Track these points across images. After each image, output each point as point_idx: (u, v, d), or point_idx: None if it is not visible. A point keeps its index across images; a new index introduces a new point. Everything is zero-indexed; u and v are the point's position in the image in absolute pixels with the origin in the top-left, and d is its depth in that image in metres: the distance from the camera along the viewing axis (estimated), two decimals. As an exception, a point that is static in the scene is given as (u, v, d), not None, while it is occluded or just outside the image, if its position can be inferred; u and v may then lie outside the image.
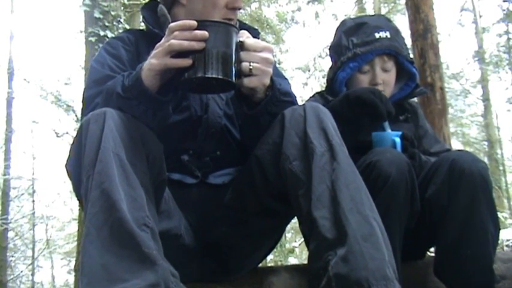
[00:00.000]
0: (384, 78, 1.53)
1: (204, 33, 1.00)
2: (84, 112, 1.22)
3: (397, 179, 1.23)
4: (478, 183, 1.26)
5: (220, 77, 1.01)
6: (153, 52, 1.04)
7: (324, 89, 1.66)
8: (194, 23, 1.01)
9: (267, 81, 1.10)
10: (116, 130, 0.97)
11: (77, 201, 1.09)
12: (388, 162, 1.24)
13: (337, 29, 1.62)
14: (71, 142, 1.05)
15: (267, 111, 1.14)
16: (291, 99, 1.19)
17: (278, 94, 1.15)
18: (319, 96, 1.61)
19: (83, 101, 1.24)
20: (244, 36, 1.07)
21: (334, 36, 1.62)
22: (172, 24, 1.03)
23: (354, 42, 1.51)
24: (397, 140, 1.38)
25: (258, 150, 1.16)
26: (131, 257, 0.87)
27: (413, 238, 1.35)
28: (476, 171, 1.27)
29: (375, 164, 1.24)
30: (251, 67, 1.06)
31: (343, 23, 1.62)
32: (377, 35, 1.50)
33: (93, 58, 1.31)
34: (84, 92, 1.25)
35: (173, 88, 1.09)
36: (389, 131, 1.43)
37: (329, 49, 1.66)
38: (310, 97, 1.63)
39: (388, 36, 1.51)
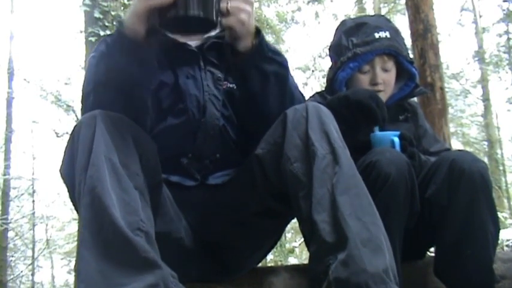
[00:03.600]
0: (384, 78, 1.53)
1: None
2: (82, 108, 1.21)
3: (397, 179, 1.23)
4: (478, 183, 1.26)
5: (201, 15, 1.04)
6: None
7: (324, 88, 1.66)
8: None
9: (245, 19, 1.09)
10: (108, 133, 0.97)
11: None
12: (387, 162, 1.24)
13: (337, 29, 1.62)
14: (65, 146, 1.04)
15: (255, 65, 1.15)
16: (280, 60, 1.19)
17: (266, 49, 1.15)
18: (319, 96, 1.61)
19: (81, 97, 1.23)
20: None
21: (334, 37, 1.62)
22: None
23: (354, 42, 1.51)
24: (396, 139, 1.38)
25: (259, 150, 1.15)
26: (129, 262, 0.87)
27: (413, 238, 1.35)
28: (476, 171, 1.27)
29: (374, 164, 1.24)
30: (228, 6, 1.07)
31: (343, 23, 1.62)
32: (377, 35, 1.50)
33: (91, 54, 1.30)
34: (82, 88, 1.24)
35: (155, 34, 1.11)
36: (377, 132, 1.42)
37: (329, 49, 1.66)
38: (310, 97, 1.63)
39: (388, 36, 1.51)
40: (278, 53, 1.20)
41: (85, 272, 0.86)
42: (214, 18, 1.06)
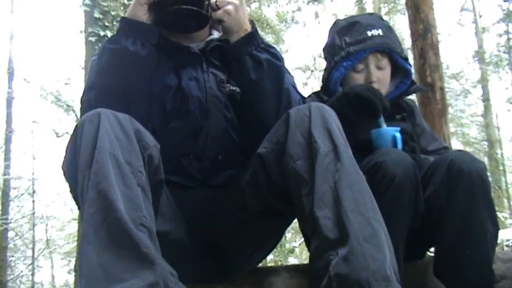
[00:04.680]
0: (379, 76, 1.53)
1: None
2: (81, 109, 1.24)
3: (403, 180, 1.22)
4: (476, 183, 1.26)
5: (194, 8, 1.19)
6: None
7: (320, 89, 1.66)
8: None
9: (231, 10, 1.23)
10: (112, 130, 0.97)
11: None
12: (393, 163, 1.23)
13: (330, 29, 1.62)
14: (67, 143, 1.04)
15: (247, 52, 1.24)
16: (273, 51, 1.27)
17: (258, 39, 1.26)
18: (315, 96, 1.61)
19: (80, 102, 1.24)
20: None
21: (328, 37, 1.62)
22: None
23: (347, 41, 1.52)
24: (398, 135, 1.37)
25: (262, 149, 1.16)
26: (130, 257, 0.87)
27: (413, 238, 1.35)
28: (475, 171, 1.26)
29: (380, 164, 1.24)
30: (217, 1, 1.23)
31: (335, 23, 1.63)
32: (369, 33, 1.50)
33: (94, 56, 1.31)
34: (83, 92, 1.25)
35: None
36: (384, 126, 1.41)
37: (323, 50, 1.66)
38: (307, 97, 1.63)
39: (381, 33, 1.51)
40: (272, 47, 1.28)
41: (86, 267, 0.86)
42: (206, 12, 1.21)
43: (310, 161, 1.03)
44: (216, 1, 1.23)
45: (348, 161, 1.03)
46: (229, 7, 1.23)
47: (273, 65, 1.25)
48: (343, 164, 1.01)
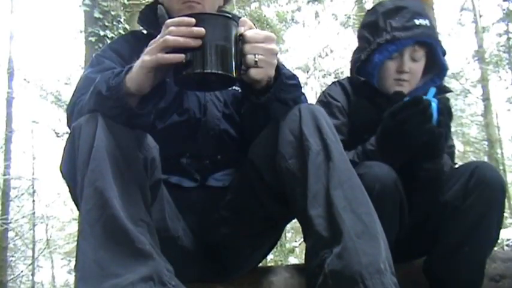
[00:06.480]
0: (411, 67, 1.49)
1: (201, 29, 0.95)
2: (71, 99, 1.19)
3: (380, 195, 1.20)
4: (496, 189, 1.28)
5: (220, 72, 0.96)
6: (147, 49, 1.00)
7: (350, 71, 1.60)
8: (192, 20, 0.96)
9: (273, 72, 1.05)
10: (110, 130, 0.97)
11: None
12: (373, 176, 1.23)
13: (374, 9, 1.55)
14: (65, 144, 1.04)
15: (275, 98, 1.09)
16: (295, 82, 1.14)
17: (284, 79, 1.09)
18: (339, 85, 1.57)
19: (73, 103, 1.17)
20: (246, 26, 1.02)
21: (370, 16, 1.55)
22: (169, 21, 0.99)
23: (393, 26, 1.46)
24: (434, 104, 1.32)
25: (252, 154, 1.15)
26: (124, 252, 0.88)
27: (412, 243, 1.36)
28: (497, 178, 1.29)
29: (360, 177, 1.19)
30: (256, 59, 1.00)
31: (381, 4, 1.55)
32: (417, 22, 1.45)
33: (88, 69, 1.27)
34: (79, 80, 1.23)
35: (155, 99, 1.05)
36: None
37: (362, 27, 1.58)
38: (330, 85, 1.60)
39: (428, 24, 1.46)
40: (293, 76, 1.14)
41: (82, 262, 0.88)
42: (234, 72, 0.98)
43: (303, 160, 1.03)
44: (255, 60, 1.00)
45: (338, 159, 1.02)
46: (270, 70, 1.04)
47: (296, 99, 1.15)
48: (334, 162, 1.01)
